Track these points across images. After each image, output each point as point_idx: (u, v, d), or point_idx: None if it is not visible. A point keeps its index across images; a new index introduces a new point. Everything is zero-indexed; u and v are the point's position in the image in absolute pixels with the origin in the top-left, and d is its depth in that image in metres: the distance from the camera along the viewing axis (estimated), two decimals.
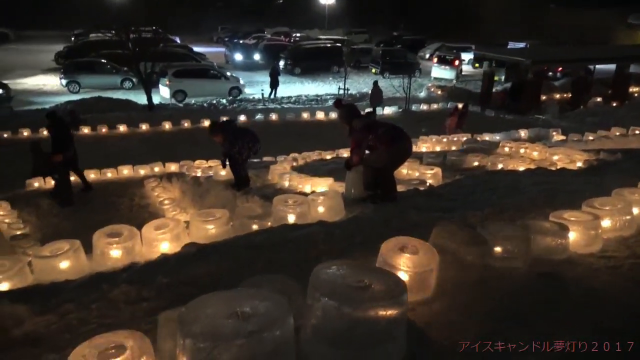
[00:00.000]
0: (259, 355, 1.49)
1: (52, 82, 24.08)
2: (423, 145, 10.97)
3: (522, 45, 36.48)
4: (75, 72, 22.58)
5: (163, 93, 21.31)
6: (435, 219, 3.84)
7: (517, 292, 2.69)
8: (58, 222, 7.90)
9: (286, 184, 7.59)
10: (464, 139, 11.52)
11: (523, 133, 12.50)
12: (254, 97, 22.28)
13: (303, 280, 2.65)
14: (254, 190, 7.10)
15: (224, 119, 7.80)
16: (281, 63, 28.61)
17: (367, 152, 5.33)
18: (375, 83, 19.89)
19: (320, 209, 4.79)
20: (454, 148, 10.44)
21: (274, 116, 16.85)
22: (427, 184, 6.36)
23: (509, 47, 34.89)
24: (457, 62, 28.31)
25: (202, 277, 3.31)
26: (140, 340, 2.18)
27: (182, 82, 21.26)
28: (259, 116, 16.98)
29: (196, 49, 32.09)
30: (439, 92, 23.50)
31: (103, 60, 23.52)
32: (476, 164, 8.00)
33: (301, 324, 1.93)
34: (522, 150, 8.85)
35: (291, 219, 4.61)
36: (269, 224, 4.60)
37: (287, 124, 16.23)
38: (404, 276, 2.47)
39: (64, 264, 3.77)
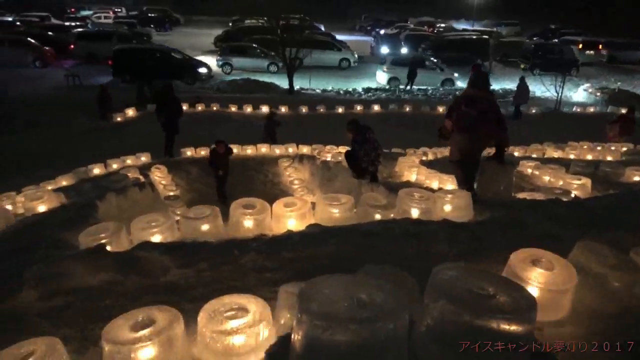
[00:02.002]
0: (371, 344, 1.49)
1: (210, 62, 26.73)
2: (571, 153, 9.85)
3: None
4: (229, 55, 24.77)
5: (379, 79, 23.22)
6: (577, 235, 3.44)
7: None
8: (203, 188, 8.83)
9: (413, 177, 7.46)
10: (624, 149, 10.08)
11: None
12: (390, 88, 22.18)
13: (420, 276, 2.59)
14: (380, 180, 7.11)
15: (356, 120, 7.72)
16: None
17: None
18: (522, 79, 18.37)
19: (447, 208, 4.61)
20: (609, 158, 9.20)
21: (407, 108, 16.58)
22: (572, 195, 5.71)
23: None
24: None
25: (322, 258, 3.43)
26: (262, 306, 2.35)
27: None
28: (392, 106, 16.86)
29: (339, 36, 32.85)
30: (598, 95, 20.84)
31: (254, 45, 25.38)
32: (637, 179, 6.95)
33: (415, 321, 1.89)
34: None
35: (415, 213, 4.52)
36: (392, 215, 4.56)
37: (420, 116, 15.85)
38: (534, 292, 2.27)
39: (205, 227, 4.21)
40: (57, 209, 5.52)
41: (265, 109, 15.42)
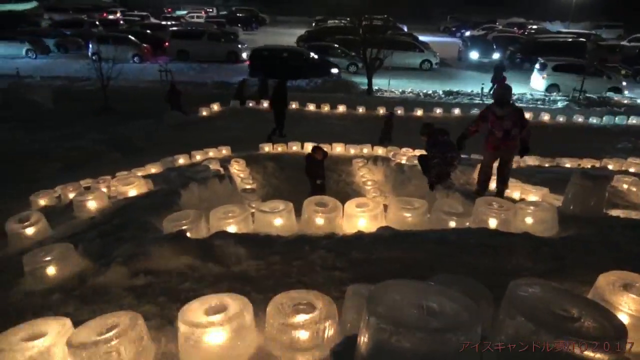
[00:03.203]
0: (439, 355, 1.45)
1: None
2: None
3: None
4: None
5: (535, 85, 22.19)
6: None
7: None
8: (278, 183, 9.05)
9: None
10: None
11: None
12: (472, 92, 21.34)
13: (495, 290, 2.47)
14: (456, 186, 6.87)
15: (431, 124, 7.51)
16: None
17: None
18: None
19: (528, 220, 4.35)
20: None
21: None
22: None
23: None
24: None
25: (392, 261, 3.38)
26: (328, 304, 2.37)
27: None
28: (474, 111, 16.19)
29: (422, 38, 32.15)
30: None
31: (335, 45, 25.56)
32: None
33: (487, 336, 1.81)
34: None
35: (493, 223, 4.32)
36: (468, 224, 4.39)
37: None
38: (624, 319, 2.08)
39: (278, 221, 4.32)
40: (145, 194, 5.93)
41: (342, 108, 15.48)
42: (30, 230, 4.83)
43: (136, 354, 2.24)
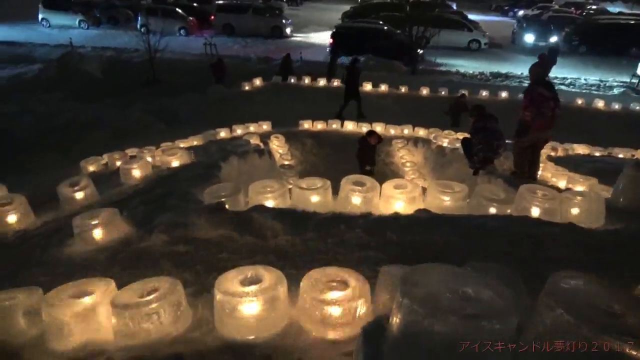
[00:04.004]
0: (472, 341, 1.43)
1: None
2: None
3: None
4: None
5: None
6: None
7: None
8: (316, 161, 9.09)
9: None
10: None
11: None
12: (522, 74, 20.47)
13: (532, 280, 2.41)
14: (499, 172, 6.68)
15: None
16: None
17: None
18: None
19: (574, 211, 4.18)
20: None
21: None
22: None
23: None
24: None
25: (427, 245, 3.35)
26: (362, 283, 2.38)
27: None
28: (522, 95, 15.55)
29: (471, 16, 30.95)
30: None
31: (380, 22, 25.02)
32: None
33: (523, 327, 1.77)
34: None
35: (535, 212, 4.17)
36: (509, 211, 4.27)
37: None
38: None
39: (315, 198, 4.34)
40: (187, 165, 6.10)
41: (384, 87, 15.22)
42: (79, 195, 5.07)
43: (174, 317, 2.34)
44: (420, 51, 21.10)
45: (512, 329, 1.52)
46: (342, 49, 20.07)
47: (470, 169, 6.90)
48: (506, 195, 4.50)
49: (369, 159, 8.02)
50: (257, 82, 15.64)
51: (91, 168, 7.00)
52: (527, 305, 2.10)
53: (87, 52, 20.44)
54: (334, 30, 21.64)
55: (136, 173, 5.70)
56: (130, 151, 7.87)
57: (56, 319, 2.30)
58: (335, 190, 4.55)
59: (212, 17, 27.29)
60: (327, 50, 21.39)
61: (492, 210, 4.28)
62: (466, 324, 1.44)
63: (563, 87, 18.73)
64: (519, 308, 1.84)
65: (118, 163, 6.70)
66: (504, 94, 14.77)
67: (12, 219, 4.64)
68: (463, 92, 13.37)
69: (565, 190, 5.41)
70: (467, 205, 4.47)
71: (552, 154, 8.29)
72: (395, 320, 1.56)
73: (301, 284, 2.37)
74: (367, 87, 15.31)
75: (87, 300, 2.37)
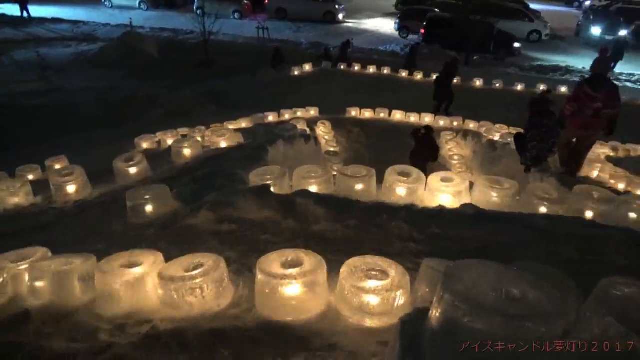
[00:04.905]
0: (514, 343, 1.39)
1: (387, 25, 26.56)
2: None
3: None
4: (408, 19, 24.15)
5: None
6: None
7: None
8: (361, 149, 9.04)
9: (595, 174, 6.53)
10: None
11: None
12: (583, 69, 19.39)
13: (581, 285, 2.30)
14: (552, 171, 6.40)
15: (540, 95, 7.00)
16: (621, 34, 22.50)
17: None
18: None
19: (633, 215, 3.96)
20: None
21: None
22: None
23: None
24: None
25: (472, 241, 3.27)
26: (402, 274, 2.36)
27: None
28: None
29: (534, 5, 29.46)
30: None
31: (436, 10, 24.30)
32: None
33: (570, 331, 1.70)
34: None
35: (589, 214, 3.99)
36: (561, 212, 4.09)
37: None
38: None
39: (359, 186, 4.33)
40: (235, 147, 6.23)
41: (434, 76, 14.83)
42: (133, 170, 5.31)
43: (217, 293, 2.42)
44: (517, 45, 20.16)
45: (558, 333, 1.47)
46: (434, 38, 19.34)
47: (522, 166, 6.64)
48: (559, 195, 4.31)
49: (432, 156, 7.80)
50: (307, 67, 15.66)
51: (145, 145, 7.29)
52: (577, 310, 2.02)
53: (146, 32, 21.15)
54: (426, 19, 20.70)
55: (186, 152, 5.88)
56: (182, 130, 8.13)
57: (107, 286, 2.43)
58: (380, 180, 4.52)
59: (266, 1, 27.46)
60: (417, 39, 20.48)
61: (543, 210, 4.12)
62: (509, 324, 1.40)
63: (629, 84, 17.60)
64: (568, 312, 1.77)
65: (170, 141, 6.94)
66: (562, 89, 14.04)
67: (71, 189, 4.93)
68: (549, 88, 12.64)
69: (624, 193, 5.12)
70: (516, 202, 4.32)
71: (612, 154, 7.84)
72: (435, 314, 1.54)
73: (341, 270, 2.38)
74: (418, 76, 14.99)
75: (136, 271, 2.49)
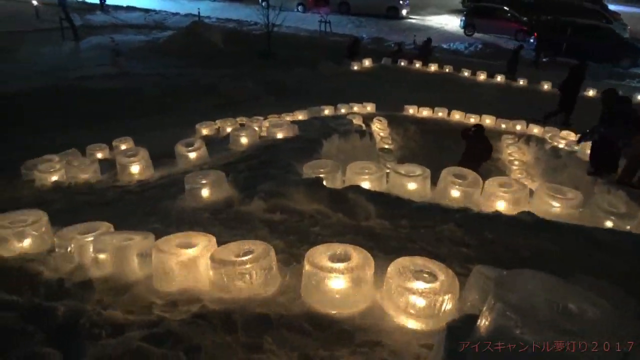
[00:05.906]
0: None
1: (452, 22, 25.83)
2: None
3: None
4: (474, 16, 23.35)
5: None
6: None
7: None
8: (416, 148, 8.88)
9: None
10: None
11: None
12: None
13: None
14: (625, 182, 5.99)
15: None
16: None
17: None
18: None
19: None
20: None
21: None
22: None
23: None
24: None
25: (527, 250, 3.14)
26: (451, 278, 2.30)
27: None
28: None
29: (612, 6, 27.58)
30: None
31: (505, 8, 23.32)
32: None
33: (629, 354, 1.60)
34: None
35: None
36: (629, 227, 3.84)
37: None
38: None
39: (412, 185, 4.26)
40: (291, 138, 6.31)
41: (500, 78, 14.27)
42: (192, 155, 5.52)
43: (265, 280, 2.47)
44: None
45: (615, 356, 1.39)
46: (545, 44, 18.12)
47: (588, 177, 6.28)
48: (628, 210, 4.04)
49: (473, 150, 7.51)
50: (367, 62, 15.56)
51: (205, 131, 7.55)
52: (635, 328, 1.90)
53: (212, 22, 21.80)
54: (533, 23, 19.35)
55: (244, 140, 6.03)
56: (240, 119, 8.34)
57: (163, 264, 2.55)
58: (434, 181, 4.43)
59: None
60: (531, 42, 19.19)
61: (609, 224, 3.88)
62: (564, 341, 1.34)
63: None
64: (627, 336, 1.66)
65: (229, 129, 7.15)
66: (639, 97, 13.10)
67: (135, 169, 5.20)
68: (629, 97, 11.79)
69: None
70: (579, 214, 4.09)
71: None
72: (484, 322, 1.50)
73: (389, 268, 2.37)
74: (482, 76, 14.50)
75: (190, 252, 2.60)
